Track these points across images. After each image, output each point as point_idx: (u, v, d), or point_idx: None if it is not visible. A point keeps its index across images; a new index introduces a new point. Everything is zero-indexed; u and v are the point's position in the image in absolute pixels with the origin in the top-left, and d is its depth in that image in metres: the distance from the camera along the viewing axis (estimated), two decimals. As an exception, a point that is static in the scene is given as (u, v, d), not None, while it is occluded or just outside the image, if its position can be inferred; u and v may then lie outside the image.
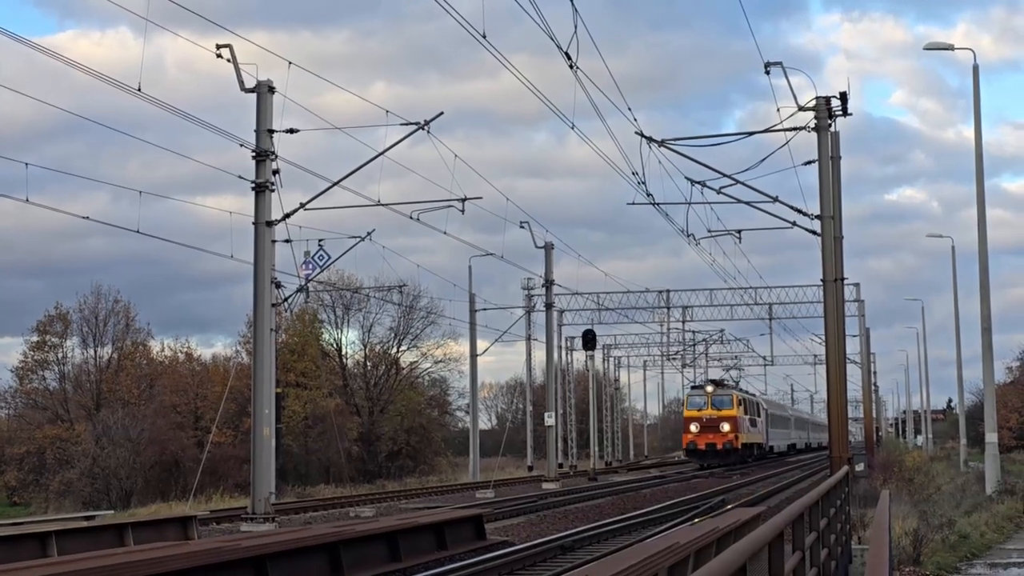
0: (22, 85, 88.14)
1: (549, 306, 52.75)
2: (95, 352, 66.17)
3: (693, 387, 75.08)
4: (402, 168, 66.64)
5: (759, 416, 78.96)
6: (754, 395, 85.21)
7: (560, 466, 56.90)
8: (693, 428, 68.43)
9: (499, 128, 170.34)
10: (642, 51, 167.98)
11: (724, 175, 30.39)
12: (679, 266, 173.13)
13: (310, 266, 31.20)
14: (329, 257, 31.56)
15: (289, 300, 30.55)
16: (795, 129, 29.51)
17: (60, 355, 65.38)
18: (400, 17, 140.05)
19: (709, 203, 32.61)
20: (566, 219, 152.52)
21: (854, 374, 73.09)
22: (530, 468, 66.67)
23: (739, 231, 35.98)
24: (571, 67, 23.45)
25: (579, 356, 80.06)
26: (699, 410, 68.96)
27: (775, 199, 30.66)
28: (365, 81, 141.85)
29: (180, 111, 27.01)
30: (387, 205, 32.04)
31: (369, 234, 32.29)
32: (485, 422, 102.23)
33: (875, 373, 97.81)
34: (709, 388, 70.21)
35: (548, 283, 51.77)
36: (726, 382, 75.72)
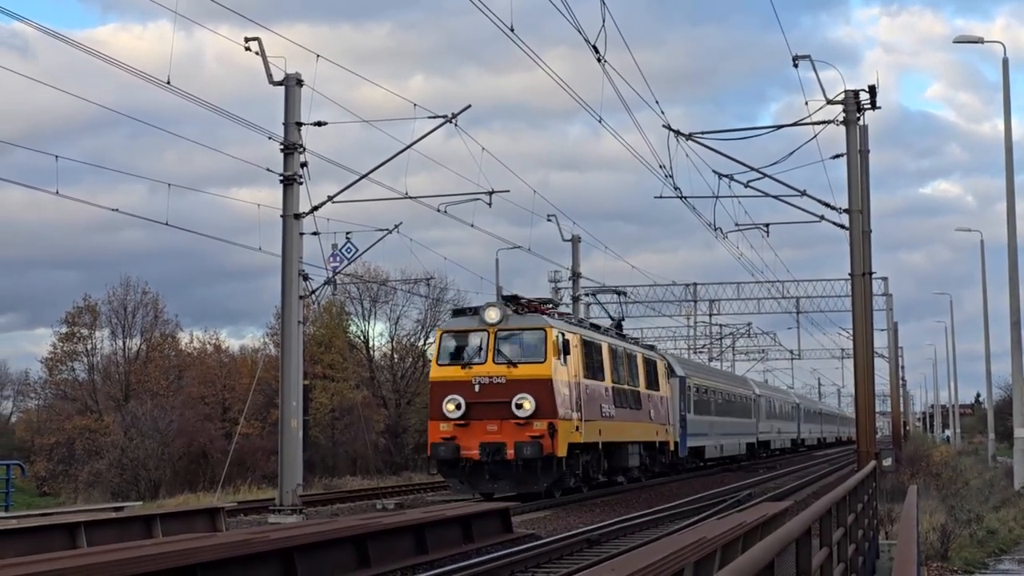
0: (66, 78, 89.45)
1: (576, 299, 52.78)
2: (124, 344, 66.54)
3: (456, 312, 34.83)
4: (437, 162, 66.80)
5: (654, 389, 41.73)
6: (646, 344, 49.10)
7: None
8: (450, 409, 31.18)
9: (535, 121, 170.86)
10: (680, 45, 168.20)
11: (751, 168, 30.37)
12: (711, 259, 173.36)
13: (337, 258, 31.27)
14: (356, 250, 31.62)
15: (316, 292, 30.65)
16: (823, 123, 29.47)
17: (89, 346, 65.74)
18: (440, 10, 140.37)
19: (736, 197, 32.60)
20: (599, 212, 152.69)
21: (882, 368, 72.97)
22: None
23: (767, 225, 35.92)
24: (599, 60, 23.46)
25: (606, 349, 79.67)
26: (465, 367, 31.50)
27: (803, 193, 30.61)
28: (405, 74, 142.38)
29: (207, 104, 27.16)
30: (415, 198, 32.09)
31: (397, 227, 32.34)
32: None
33: (903, 367, 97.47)
34: (492, 314, 31.39)
35: (575, 276, 51.83)
36: (549, 303, 36.33)
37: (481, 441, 30.56)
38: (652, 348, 46.61)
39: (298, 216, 28.57)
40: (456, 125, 29.63)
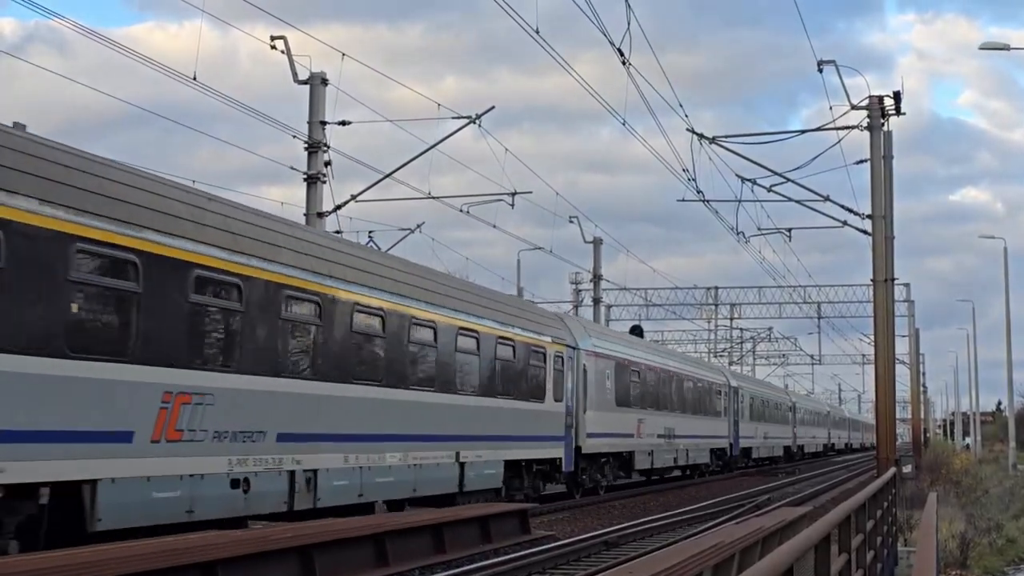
0: (104, 74, 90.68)
1: (597, 301, 52.78)
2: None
3: None
4: (461, 163, 66.96)
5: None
6: None
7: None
8: None
9: (567, 123, 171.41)
10: (713, 48, 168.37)
11: (775, 173, 30.33)
12: (736, 263, 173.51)
13: (359, 257, 31.20)
14: (378, 249, 31.71)
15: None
16: (847, 128, 29.38)
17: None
18: (473, 12, 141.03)
19: (759, 201, 32.57)
20: (627, 214, 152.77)
21: (903, 375, 72.67)
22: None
23: (789, 230, 35.91)
24: (623, 63, 23.47)
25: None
26: None
27: (826, 198, 30.55)
28: (438, 75, 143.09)
29: (232, 100, 27.25)
30: (436, 198, 32.13)
31: (419, 226, 32.36)
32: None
33: (924, 374, 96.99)
34: None
35: (596, 278, 51.81)
36: None
37: None
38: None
39: (321, 215, 28.61)
40: (480, 126, 29.64)
